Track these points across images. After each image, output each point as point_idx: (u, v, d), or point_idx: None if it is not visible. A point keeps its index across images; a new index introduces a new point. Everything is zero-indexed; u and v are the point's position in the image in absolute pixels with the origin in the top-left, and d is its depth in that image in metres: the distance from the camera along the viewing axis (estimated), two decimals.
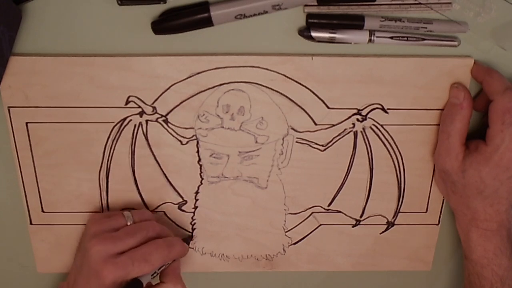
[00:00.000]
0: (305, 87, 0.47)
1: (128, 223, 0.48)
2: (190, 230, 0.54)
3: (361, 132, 0.50)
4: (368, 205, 0.53)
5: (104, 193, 0.51)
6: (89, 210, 0.52)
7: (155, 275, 0.47)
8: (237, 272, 0.56)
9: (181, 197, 0.52)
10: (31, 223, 0.52)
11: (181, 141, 0.50)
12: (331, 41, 0.45)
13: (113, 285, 0.44)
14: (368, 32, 0.45)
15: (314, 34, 0.45)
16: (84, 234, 0.49)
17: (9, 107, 0.47)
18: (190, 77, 0.47)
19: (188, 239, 0.53)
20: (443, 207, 0.53)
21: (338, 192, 0.52)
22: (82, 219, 0.52)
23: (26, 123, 0.48)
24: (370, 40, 0.45)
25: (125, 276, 0.44)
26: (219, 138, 0.49)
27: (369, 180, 0.52)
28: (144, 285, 0.45)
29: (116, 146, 0.49)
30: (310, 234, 0.54)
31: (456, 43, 0.46)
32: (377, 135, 0.50)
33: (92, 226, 0.48)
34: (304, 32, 0.45)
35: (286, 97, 0.48)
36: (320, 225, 0.54)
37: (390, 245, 0.55)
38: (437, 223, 0.54)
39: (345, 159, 0.51)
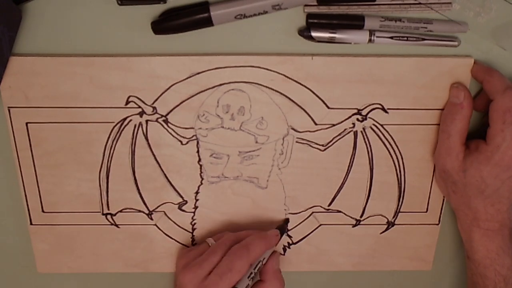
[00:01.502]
0: (305, 87, 0.48)
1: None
2: (191, 230, 0.54)
3: (361, 132, 0.50)
4: (368, 205, 0.53)
5: (104, 193, 0.51)
6: (89, 210, 0.52)
7: (252, 275, 0.47)
8: None
9: (181, 197, 0.52)
10: (31, 223, 0.53)
11: (181, 141, 0.50)
12: (331, 41, 0.45)
13: None
14: (368, 32, 0.45)
15: (314, 34, 0.45)
16: (176, 272, 0.51)
17: (9, 107, 0.47)
18: (190, 77, 0.47)
19: (282, 227, 0.52)
20: (443, 207, 0.53)
21: (338, 192, 0.52)
22: (82, 219, 0.52)
23: (26, 123, 0.48)
24: (370, 40, 0.45)
25: None
26: (219, 138, 0.49)
27: (369, 180, 0.52)
28: None
29: (116, 146, 0.49)
30: (310, 234, 0.54)
31: (456, 43, 0.46)
32: (377, 135, 0.50)
33: (180, 260, 0.49)
34: (304, 32, 0.45)
35: (286, 97, 0.48)
36: (320, 225, 0.54)
37: (391, 245, 0.55)
38: (437, 222, 0.54)
39: (345, 159, 0.51)
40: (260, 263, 0.48)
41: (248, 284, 0.47)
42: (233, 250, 0.47)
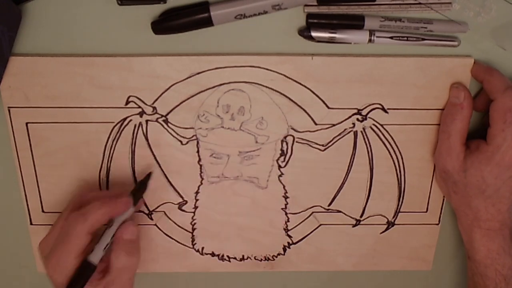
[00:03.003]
0: (305, 87, 0.47)
1: None
2: (191, 230, 0.53)
3: (361, 132, 0.50)
4: (368, 205, 0.53)
5: None
6: None
7: (107, 246, 0.45)
8: (237, 272, 0.56)
9: (181, 197, 0.52)
10: (31, 223, 0.53)
11: (181, 141, 0.50)
12: (331, 41, 0.45)
13: (62, 278, 0.43)
14: (368, 32, 0.45)
15: (314, 34, 0.45)
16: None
17: (9, 107, 0.47)
18: (190, 77, 0.47)
19: (136, 191, 0.48)
20: (443, 207, 0.53)
21: (338, 192, 0.52)
22: None
23: (26, 123, 0.48)
24: (370, 40, 0.45)
25: (62, 264, 0.43)
26: (219, 138, 0.49)
27: (369, 180, 0.52)
28: (98, 261, 0.44)
29: (116, 146, 0.49)
30: (310, 234, 0.54)
31: (456, 43, 0.46)
32: (377, 135, 0.50)
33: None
34: (304, 32, 0.45)
35: (286, 97, 0.48)
36: (320, 225, 0.54)
37: (391, 245, 0.55)
38: (437, 222, 0.54)
39: (345, 159, 0.51)
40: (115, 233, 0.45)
41: (103, 256, 0.44)
42: (71, 217, 0.44)
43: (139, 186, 0.49)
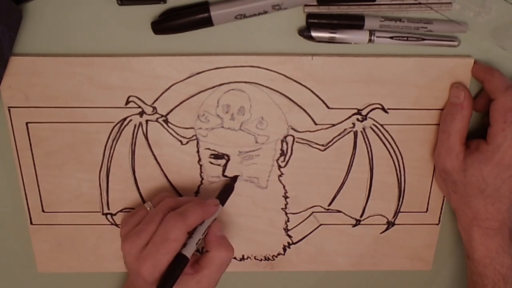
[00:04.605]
0: (305, 87, 0.48)
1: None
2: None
3: (361, 132, 0.50)
4: (368, 205, 0.53)
5: (104, 193, 0.51)
6: (89, 210, 0.52)
7: (199, 241, 0.46)
8: (237, 272, 0.56)
9: (181, 197, 0.52)
10: (31, 223, 0.53)
11: (181, 141, 0.50)
12: (331, 41, 0.45)
13: (155, 276, 0.43)
14: (368, 32, 0.45)
15: (314, 34, 0.45)
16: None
17: (9, 107, 0.47)
18: (190, 77, 0.47)
19: (221, 195, 0.50)
20: (443, 207, 0.53)
21: (338, 192, 0.52)
22: (83, 219, 0.52)
23: (26, 123, 0.48)
24: (370, 40, 0.45)
25: (157, 263, 0.43)
26: (219, 138, 0.49)
27: (369, 180, 0.52)
28: (190, 256, 0.44)
29: (116, 146, 0.49)
30: (310, 234, 0.54)
31: (456, 43, 0.46)
32: (377, 135, 0.50)
33: (122, 229, 0.47)
34: (304, 32, 0.45)
35: (286, 97, 0.48)
36: (320, 225, 0.54)
37: (391, 245, 0.55)
38: (437, 222, 0.54)
39: (345, 159, 0.51)
40: (203, 231, 0.46)
41: (196, 253, 0.46)
42: (168, 218, 0.44)
43: (225, 189, 0.50)
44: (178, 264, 0.44)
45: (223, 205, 0.49)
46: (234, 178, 0.51)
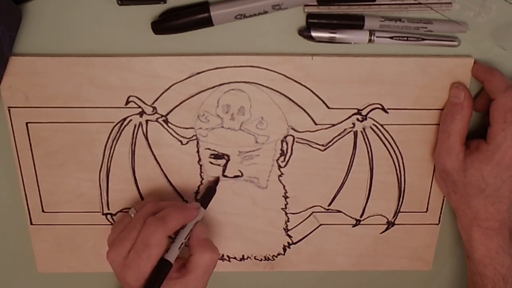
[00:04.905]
0: (305, 87, 0.48)
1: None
2: None
3: (361, 132, 0.50)
4: (368, 205, 0.53)
5: (104, 193, 0.51)
6: (89, 210, 0.52)
7: (182, 246, 0.46)
8: (237, 272, 0.56)
9: (181, 197, 0.52)
10: (31, 223, 0.53)
11: (181, 141, 0.50)
12: (331, 41, 0.45)
13: (140, 283, 0.43)
14: (368, 32, 0.45)
15: (314, 34, 0.45)
16: None
17: (9, 107, 0.47)
18: (190, 77, 0.47)
19: (203, 197, 0.50)
20: (443, 207, 0.53)
21: (338, 192, 0.52)
22: (83, 219, 0.52)
23: (26, 123, 0.48)
24: (370, 40, 0.45)
25: (141, 270, 0.43)
26: (219, 138, 0.49)
27: (369, 180, 0.52)
28: (173, 260, 0.44)
29: (116, 146, 0.49)
30: (310, 234, 0.54)
31: (456, 43, 0.46)
32: (377, 135, 0.50)
33: (109, 237, 0.47)
34: (304, 32, 0.45)
35: (286, 97, 0.48)
36: (320, 225, 0.54)
37: (390, 245, 0.55)
38: (437, 222, 0.54)
39: (345, 159, 0.51)
40: (189, 234, 0.46)
41: (180, 256, 0.46)
42: (148, 224, 0.44)
43: (207, 192, 0.50)
44: (161, 270, 0.43)
45: (205, 208, 0.49)
46: (216, 181, 0.51)
